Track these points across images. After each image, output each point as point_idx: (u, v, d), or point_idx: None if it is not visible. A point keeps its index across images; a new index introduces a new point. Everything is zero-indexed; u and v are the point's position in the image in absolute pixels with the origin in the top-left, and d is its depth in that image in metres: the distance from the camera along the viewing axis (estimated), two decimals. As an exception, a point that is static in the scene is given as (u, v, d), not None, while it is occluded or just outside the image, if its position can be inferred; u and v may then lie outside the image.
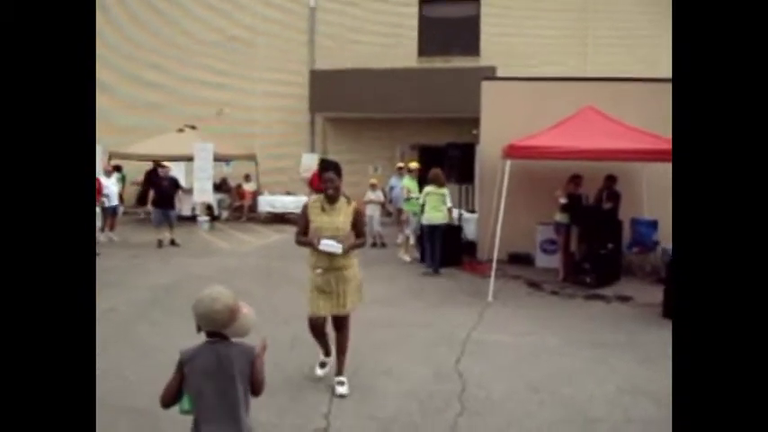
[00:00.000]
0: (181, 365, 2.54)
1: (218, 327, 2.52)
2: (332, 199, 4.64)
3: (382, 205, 13.04)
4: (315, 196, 4.87)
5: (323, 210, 4.66)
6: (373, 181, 13.14)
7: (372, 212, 12.68)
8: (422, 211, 10.08)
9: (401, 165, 12.98)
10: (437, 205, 9.80)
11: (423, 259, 10.54)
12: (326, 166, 4.68)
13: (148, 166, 16.09)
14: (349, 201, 4.73)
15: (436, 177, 9.91)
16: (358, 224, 4.72)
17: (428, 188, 9.91)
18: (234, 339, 2.59)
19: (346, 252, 4.58)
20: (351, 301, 4.81)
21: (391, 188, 13.15)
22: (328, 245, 4.50)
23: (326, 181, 4.58)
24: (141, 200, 16.27)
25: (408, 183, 11.29)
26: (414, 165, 12.01)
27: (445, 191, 9.94)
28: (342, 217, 4.63)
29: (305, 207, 4.81)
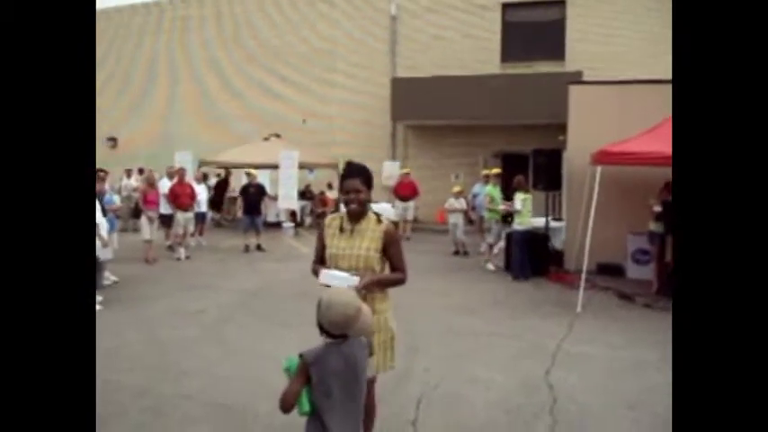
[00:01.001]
0: (306, 368, 2.53)
1: (347, 329, 2.56)
2: (355, 216, 3.34)
3: (465, 213, 12.93)
4: (335, 213, 3.60)
5: (341, 230, 3.37)
6: (457, 188, 13.05)
7: (456, 220, 12.63)
8: (509, 218, 10.11)
9: (487, 172, 12.84)
10: (530, 210, 10.02)
11: (508, 267, 10.37)
12: (350, 171, 3.35)
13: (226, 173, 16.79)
14: (379, 219, 3.39)
15: (524, 183, 10.07)
16: (392, 253, 3.36)
17: (522, 195, 9.98)
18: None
19: (366, 290, 3.15)
20: (376, 360, 3.37)
21: (474, 195, 13.03)
22: (333, 277, 3.11)
23: (348, 191, 3.29)
24: (214, 205, 16.86)
25: (491, 190, 11.14)
26: (495, 170, 11.87)
27: (529, 196, 10.14)
28: (366, 242, 3.30)
29: (321, 227, 3.53)
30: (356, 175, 3.30)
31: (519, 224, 9.94)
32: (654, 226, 9.08)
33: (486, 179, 12.40)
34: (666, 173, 8.90)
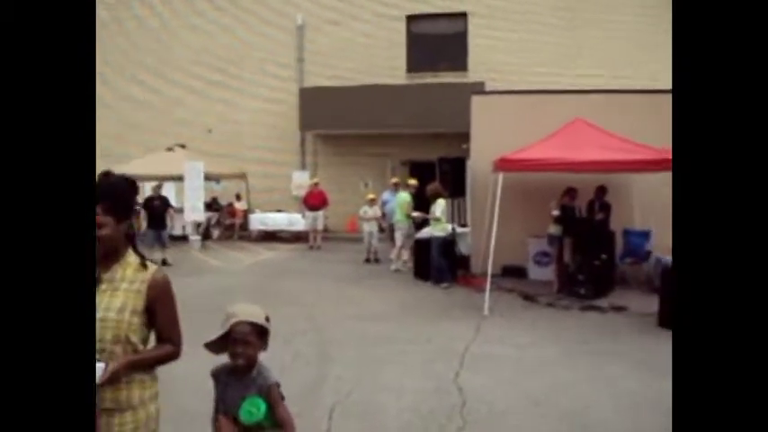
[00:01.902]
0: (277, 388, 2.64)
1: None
2: (103, 259, 2.22)
3: (378, 221, 13.06)
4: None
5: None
6: (370, 196, 13.13)
7: (371, 228, 12.72)
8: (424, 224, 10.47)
9: (396, 180, 13.01)
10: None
11: (419, 274, 10.60)
12: (98, 191, 2.12)
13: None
14: (144, 263, 2.30)
15: (441, 191, 10.35)
16: (160, 314, 2.30)
17: (442, 201, 10.21)
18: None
19: (111, 381, 2.07)
20: None
21: (384, 203, 13.17)
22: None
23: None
24: None
25: (406, 197, 11.45)
26: (412, 182, 12.10)
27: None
28: (120, 299, 2.19)
29: None
30: (100, 199, 2.12)
31: (441, 230, 10.12)
32: (553, 229, 9.53)
33: (396, 186, 12.59)
34: (564, 178, 9.41)
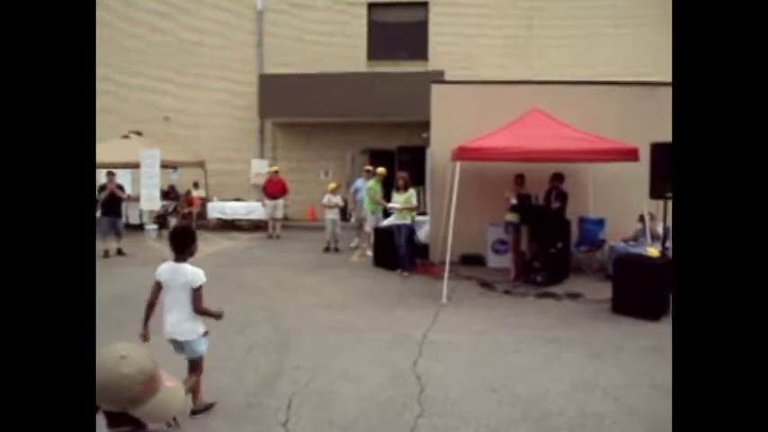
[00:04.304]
0: None
1: (123, 404, 1.52)
2: None
3: (341, 209, 13.02)
4: None
5: None
6: (333, 185, 13.06)
7: (334, 216, 12.67)
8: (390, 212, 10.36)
9: (369, 168, 12.99)
10: None
11: (378, 262, 10.61)
12: None
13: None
14: None
15: (408, 180, 10.24)
16: None
17: (412, 190, 10.13)
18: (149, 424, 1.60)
19: None
20: None
21: (356, 191, 13.09)
22: None
23: None
24: None
25: (375, 185, 11.45)
26: (381, 170, 12.05)
27: None
28: None
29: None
30: None
31: (407, 219, 10.04)
32: (509, 217, 9.66)
33: (368, 174, 12.59)
34: (521, 167, 9.54)
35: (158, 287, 4.28)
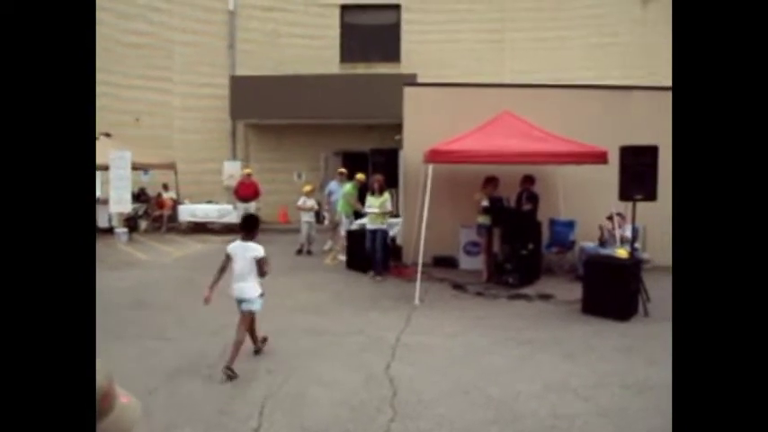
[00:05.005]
0: None
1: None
2: None
3: (316, 213, 12.95)
4: None
5: None
6: (308, 188, 12.95)
7: (310, 218, 12.60)
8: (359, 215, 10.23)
9: (342, 170, 12.91)
10: None
11: (351, 265, 10.59)
12: None
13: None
14: None
15: (384, 184, 10.09)
16: None
17: (387, 195, 10.01)
18: None
19: None
20: None
21: (330, 193, 13.02)
22: None
23: None
24: None
25: (351, 189, 11.48)
26: (360, 176, 11.99)
27: None
28: None
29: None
30: None
31: (383, 224, 9.93)
32: (481, 219, 9.72)
33: (341, 176, 12.53)
34: (492, 170, 9.61)
35: (228, 259, 5.65)
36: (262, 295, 5.62)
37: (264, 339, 6.03)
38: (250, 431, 4.23)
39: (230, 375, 5.16)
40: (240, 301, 5.58)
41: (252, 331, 5.74)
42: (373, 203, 9.90)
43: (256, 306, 5.61)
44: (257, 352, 5.84)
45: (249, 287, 5.55)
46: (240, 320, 5.54)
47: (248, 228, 5.71)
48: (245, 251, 5.55)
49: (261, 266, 5.49)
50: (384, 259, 9.99)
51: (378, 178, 10.09)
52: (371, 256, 9.91)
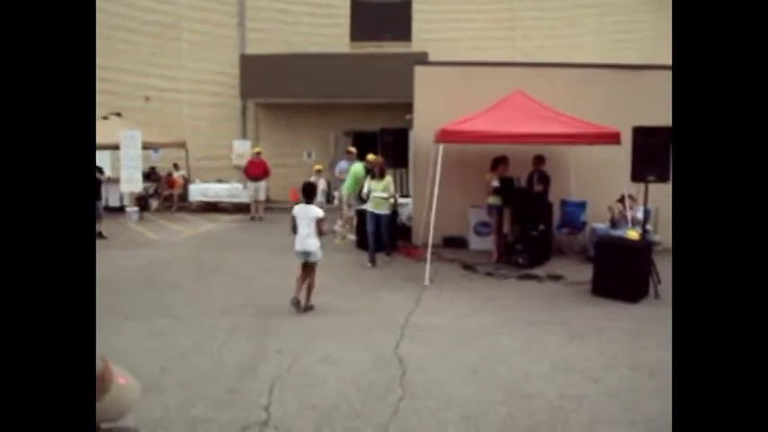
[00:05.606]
0: None
1: None
2: None
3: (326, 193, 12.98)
4: None
5: None
6: (318, 167, 12.91)
7: (321, 198, 12.63)
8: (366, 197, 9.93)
9: (351, 149, 12.82)
10: None
11: (361, 245, 10.58)
12: None
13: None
14: None
15: (384, 166, 9.90)
16: None
17: (389, 177, 9.83)
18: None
19: None
20: None
21: (340, 172, 12.93)
22: None
23: None
24: None
25: (359, 169, 11.39)
26: (372, 157, 11.69)
27: None
28: None
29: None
30: None
31: (385, 209, 9.59)
32: (492, 199, 9.67)
33: (350, 155, 12.48)
34: (503, 149, 9.54)
35: (294, 220, 6.74)
36: (320, 247, 6.79)
37: (310, 308, 6.80)
38: (260, 409, 4.26)
39: (304, 307, 6.63)
40: (306, 254, 6.67)
41: (310, 287, 6.74)
42: (376, 187, 9.48)
43: (319, 256, 6.74)
44: (307, 309, 6.71)
45: (312, 242, 6.66)
46: (306, 271, 6.71)
47: (309, 194, 6.88)
48: (308, 212, 6.67)
49: (320, 225, 6.65)
50: (388, 241, 9.93)
51: (378, 161, 9.84)
52: (375, 238, 9.58)
